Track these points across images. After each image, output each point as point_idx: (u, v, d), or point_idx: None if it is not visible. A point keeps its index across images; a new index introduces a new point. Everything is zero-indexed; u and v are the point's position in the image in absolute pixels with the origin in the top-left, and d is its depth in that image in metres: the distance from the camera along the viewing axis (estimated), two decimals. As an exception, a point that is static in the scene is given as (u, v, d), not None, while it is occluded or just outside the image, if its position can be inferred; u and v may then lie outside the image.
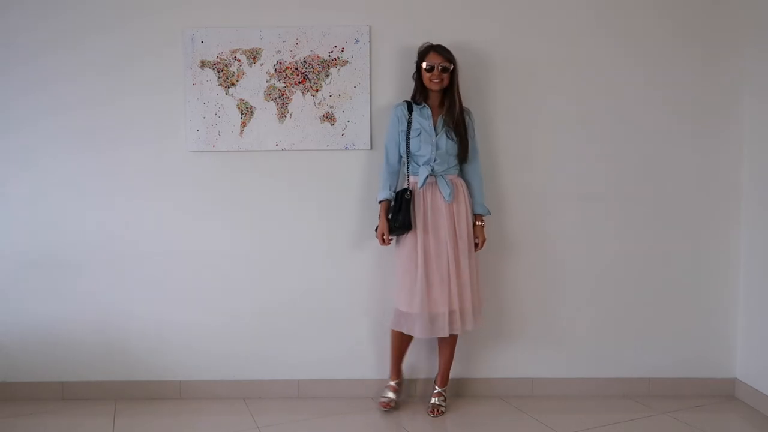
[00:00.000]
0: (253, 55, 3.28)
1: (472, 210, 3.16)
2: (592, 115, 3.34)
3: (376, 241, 3.16)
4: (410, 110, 3.13)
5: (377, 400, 3.23)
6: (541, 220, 3.36)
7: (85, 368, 3.37)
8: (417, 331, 3.05)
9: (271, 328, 3.38)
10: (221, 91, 3.28)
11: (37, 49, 3.26)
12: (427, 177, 3.06)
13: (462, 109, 3.11)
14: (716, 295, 3.40)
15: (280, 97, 3.29)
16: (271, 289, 3.37)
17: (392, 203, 3.11)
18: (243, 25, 3.27)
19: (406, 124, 3.11)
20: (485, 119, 3.31)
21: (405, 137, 3.11)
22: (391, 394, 3.21)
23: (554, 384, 3.41)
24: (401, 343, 3.20)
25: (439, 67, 3.04)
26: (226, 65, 3.28)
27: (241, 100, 3.29)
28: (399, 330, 3.13)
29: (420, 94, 3.14)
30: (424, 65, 3.06)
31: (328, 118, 3.30)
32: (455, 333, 3.09)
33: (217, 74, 3.28)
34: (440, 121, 3.11)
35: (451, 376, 3.29)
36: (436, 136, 3.09)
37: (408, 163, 3.11)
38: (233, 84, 3.29)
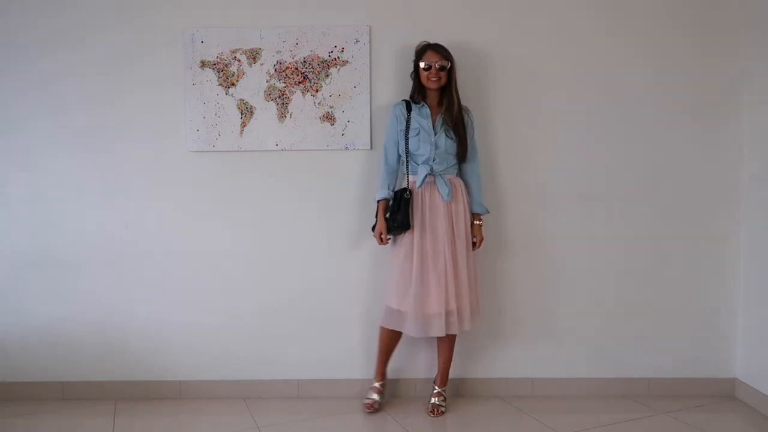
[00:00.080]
0: (253, 55, 3.28)
1: (470, 209, 3.16)
2: (592, 114, 3.34)
3: (376, 241, 3.16)
4: (409, 109, 3.13)
5: (362, 400, 3.24)
6: (542, 220, 3.36)
7: (85, 368, 3.37)
8: (409, 329, 3.05)
9: (271, 328, 3.38)
10: (221, 91, 3.28)
11: (37, 49, 3.26)
12: (425, 176, 3.06)
13: (461, 108, 3.11)
14: (716, 295, 3.40)
15: (280, 97, 3.29)
16: (271, 289, 3.38)
17: (390, 202, 3.11)
18: (243, 25, 3.27)
19: (404, 123, 3.11)
20: (485, 119, 3.31)
21: (404, 136, 3.11)
22: (375, 396, 3.20)
23: (554, 384, 3.41)
24: (390, 341, 3.19)
25: (437, 66, 3.04)
26: (226, 65, 3.28)
27: (241, 100, 3.29)
28: (389, 327, 3.12)
29: (418, 94, 3.14)
30: (421, 64, 3.06)
31: (328, 118, 3.30)
32: (452, 333, 3.08)
33: (217, 74, 3.28)
34: (439, 119, 3.11)
35: (450, 376, 3.29)
36: (435, 135, 3.09)
37: (407, 162, 3.11)
38: (233, 84, 3.29)
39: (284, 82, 3.29)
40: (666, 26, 3.32)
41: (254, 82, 3.28)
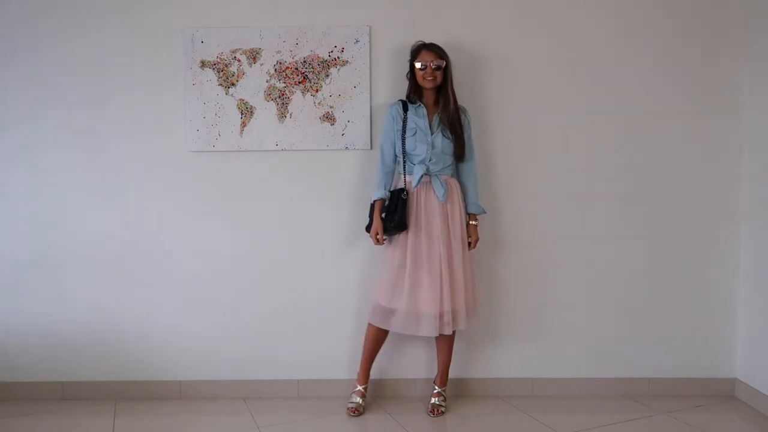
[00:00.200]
0: (253, 55, 3.28)
1: (466, 209, 3.16)
2: (591, 114, 3.34)
3: (372, 241, 3.15)
4: (405, 109, 3.12)
5: (346, 404, 3.22)
6: (543, 220, 3.36)
7: (84, 368, 3.37)
8: (397, 325, 3.04)
9: (271, 328, 3.38)
10: (221, 91, 3.28)
11: (37, 49, 3.26)
12: (421, 177, 3.06)
13: (457, 107, 3.10)
14: (716, 295, 3.40)
15: (280, 97, 3.29)
16: (271, 289, 3.37)
17: (387, 203, 3.11)
18: (243, 25, 3.27)
19: (401, 123, 3.11)
20: (482, 119, 3.31)
21: (400, 136, 3.11)
22: (359, 399, 3.19)
23: (554, 384, 3.41)
24: (376, 340, 3.18)
25: (432, 65, 3.04)
26: (226, 65, 3.28)
27: (241, 100, 3.29)
28: (377, 325, 3.12)
29: (414, 93, 3.14)
30: (417, 64, 3.06)
31: (328, 118, 3.30)
32: (445, 333, 3.07)
33: (217, 74, 3.28)
34: (435, 119, 3.10)
35: (450, 376, 3.29)
36: (432, 134, 3.09)
37: (404, 162, 3.11)
38: (233, 84, 3.29)
39: (284, 82, 3.29)
40: (666, 26, 3.31)
41: (254, 82, 3.28)
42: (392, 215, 3.05)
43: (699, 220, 3.38)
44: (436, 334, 3.04)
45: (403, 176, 3.11)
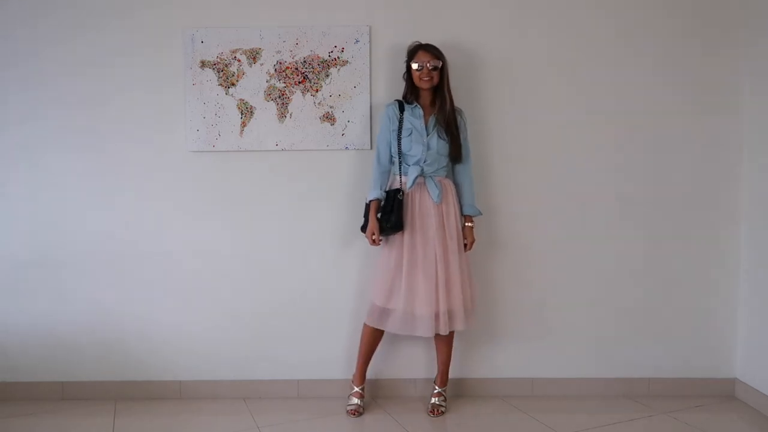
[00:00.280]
0: (253, 55, 3.28)
1: (462, 211, 3.16)
2: (590, 114, 3.33)
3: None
4: (402, 109, 3.12)
5: (346, 405, 3.22)
6: (542, 220, 3.36)
7: (85, 368, 3.37)
8: (394, 326, 3.04)
9: (271, 328, 3.38)
10: (221, 91, 3.29)
11: (37, 48, 3.26)
12: (416, 178, 3.06)
13: (453, 107, 3.10)
14: (716, 295, 3.40)
15: (280, 97, 3.29)
16: (271, 289, 3.37)
17: (382, 203, 3.10)
18: (243, 25, 3.27)
19: (397, 123, 3.11)
20: (483, 119, 3.31)
21: (396, 137, 3.11)
22: (357, 401, 3.19)
23: (554, 384, 3.41)
24: (372, 341, 3.18)
25: (429, 66, 3.04)
26: (226, 65, 3.28)
27: (241, 100, 3.29)
28: (373, 325, 3.12)
29: (411, 94, 3.13)
30: (413, 65, 3.06)
31: (328, 118, 3.30)
32: (441, 333, 3.07)
33: (217, 74, 3.28)
34: (432, 120, 3.10)
35: (450, 376, 3.29)
36: (428, 135, 3.08)
37: (400, 163, 3.11)
38: (233, 84, 3.29)
39: (284, 82, 3.29)
40: (666, 26, 3.31)
41: (254, 82, 3.28)
42: (388, 216, 3.04)
43: (699, 220, 3.38)
44: (432, 334, 3.04)
45: (398, 177, 3.11)
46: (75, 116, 3.29)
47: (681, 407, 3.26)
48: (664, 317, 3.41)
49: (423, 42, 3.09)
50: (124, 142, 3.31)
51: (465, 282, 3.11)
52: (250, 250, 3.36)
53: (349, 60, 3.28)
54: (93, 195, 3.33)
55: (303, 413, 3.20)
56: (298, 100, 3.29)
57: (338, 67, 3.28)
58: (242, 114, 3.30)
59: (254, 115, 3.30)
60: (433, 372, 3.32)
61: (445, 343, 3.21)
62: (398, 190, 3.07)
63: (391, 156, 3.14)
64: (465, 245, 3.15)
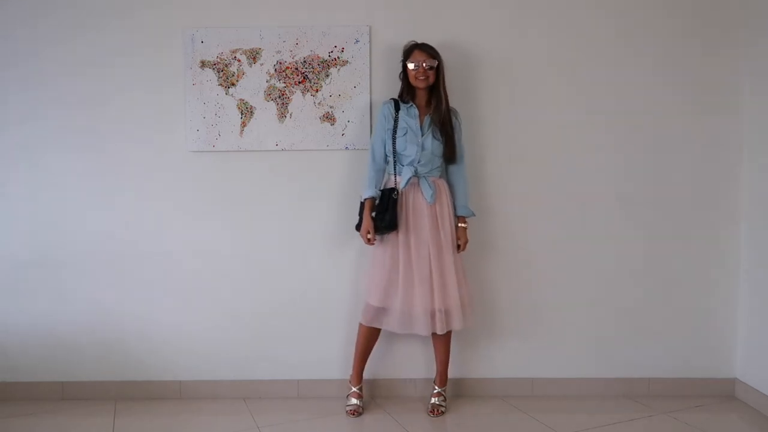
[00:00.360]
0: (253, 55, 3.28)
1: (455, 211, 3.15)
2: (590, 114, 3.33)
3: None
4: (397, 109, 3.12)
5: (345, 406, 3.22)
6: (542, 220, 3.36)
7: (84, 368, 3.37)
8: (393, 324, 3.04)
9: (271, 328, 3.38)
10: (221, 91, 3.29)
11: (36, 48, 3.26)
12: (410, 178, 3.06)
13: (449, 107, 3.10)
14: (716, 295, 3.40)
15: (280, 97, 3.29)
16: (271, 289, 3.37)
17: (377, 202, 3.10)
18: (243, 25, 3.27)
19: (392, 122, 3.11)
20: (483, 119, 3.31)
21: (391, 136, 3.11)
22: (355, 401, 3.19)
23: (554, 384, 3.41)
24: (369, 340, 3.18)
25: (425, 65, 3.04)
26: (226, 65, 3.28)
27: (241, 100, 3.29)
28: (370, 325, 3.12)
29: (407, 93, 3.13)
30: (409, 64, 3.06)
31: (328, 118, 3.30)
32: (438, 332, 3.07)
33: (217, 74, 3.28)
34: (427, 120, 3.10)
35: (450, 376, 3.29)
36: (422, 135, 3.08)
37: (394, 162, 3.11)
38: (233, 84, 3.29)
39: (284, 82, 3.29)
40: (666, 26, 3.31)
41: (254, 82, 3.28)
42: (383, 215, 3.04)
43: (699, 220, 3.38)
44: (428, 332, 3.05)
45: (392, 176, 3.11)
46: (75, 116, 3.29)
47: (681, 407, 3.26)
48: (664, 317, 3.41)
49: (419, 41, 3.09)
50: (124, 142, 3.31)
51: (461, 282, 3.11)
52: (250, 250, 3.36)
53: (349, 60, 3.28)
54: (93, 195, 3.33)
55: (303, 413, 3.20)
56: (298, 100, 3.29)
57: (338, 67, 3.28)
58: (242, 114, 3.30)
59: (254, 115, 3.30)
60: (433, 372, 3.32)
61: (442, 342, 3.21)
62: (393, 189, 3.07)
63: (386, 155, 3.14)
64: (458, 246, 3.15)
